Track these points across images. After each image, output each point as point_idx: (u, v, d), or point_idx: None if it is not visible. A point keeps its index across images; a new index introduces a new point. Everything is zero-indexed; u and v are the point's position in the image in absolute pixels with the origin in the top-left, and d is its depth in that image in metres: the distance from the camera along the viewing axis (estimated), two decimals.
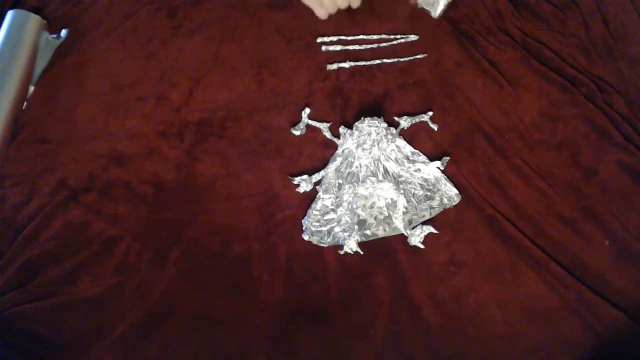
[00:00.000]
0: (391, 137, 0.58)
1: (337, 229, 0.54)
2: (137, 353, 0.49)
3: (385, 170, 0.57)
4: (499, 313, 0.50)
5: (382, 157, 0.58)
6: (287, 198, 0.58)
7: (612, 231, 0.53)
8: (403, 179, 0.57)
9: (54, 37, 0.73)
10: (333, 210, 0.56)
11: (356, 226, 0.54)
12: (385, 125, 0.58)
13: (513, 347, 0.48)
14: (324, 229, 0.55)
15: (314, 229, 0.55)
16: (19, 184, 0.60)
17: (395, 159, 0.58)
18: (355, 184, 0.56)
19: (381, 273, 0.52)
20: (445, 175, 0.58)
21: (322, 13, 0.69)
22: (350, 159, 0.59)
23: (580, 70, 0.66)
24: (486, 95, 0.64)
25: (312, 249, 0.54)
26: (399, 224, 0.54)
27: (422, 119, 0.62)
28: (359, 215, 0.55)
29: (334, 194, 0.57)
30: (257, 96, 0.66)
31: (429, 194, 0.57)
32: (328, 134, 0.62)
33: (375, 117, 0.58)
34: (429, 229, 0.53)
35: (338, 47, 0.70)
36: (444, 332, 0.49)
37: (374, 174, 0.57)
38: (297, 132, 0.62)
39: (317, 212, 0.56)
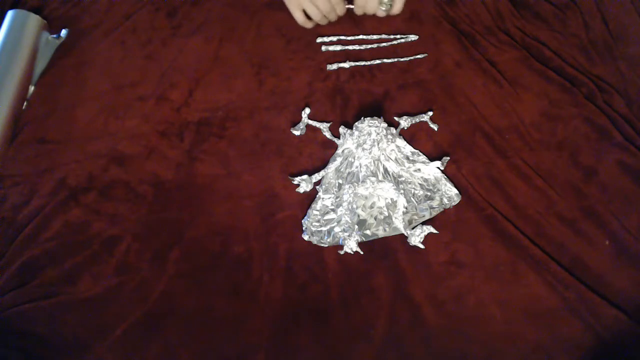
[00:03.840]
0: (391, 137, 0.58)
1: (337, 229, 0.54)
2: (137, 353, 0.49)
3: (385, 170, 0.57)
4: (499, 313, 0.49)
5: (382, 157, 0.58)
6: (287, 198, 0.58)
7: (612, 231, 0.53)
8: (403, 179, 0.57)
9: (54, 37, 0.73)
10: (333, 210, 0.56)
11: (356, 226, 0.54)
12: (385, 125, 0.58)
13: (513, 347, 0.48)
14: (324, 229, 0.55)
15: (314, 229, 0.55)
16: (19, 184, 0.60)
17: (395, 159, 0.58)
18: (355, 184, 0.56)
19: (381, 273, 0.52)
20: (445, 175, 0.58)
21: (300, 18, 0.69)
22: (350, 159, 0.59)
23: (580, 70, 0.66)
24: (486, 95, 0.64)
25: (312, 249, 0.54)
26: (399, 224, 0.54)
27: (422, 119, 0.62)
28: (359, 215, 0.55)
29: (334, 194, 0.57)
30: (257, 96, 0.66)
31: (429, 194, 0.57)
32: (328, 134, 0.62)
33: (375, 117, 0.58)
34: (429, 229, 0.53)
35: (338, 47, 0.70)
36: (444, 332, 0.49)
37: (374, 174, 0.57)
38: (297, 132, 0.62)
39: (317, 212, 0.56)
